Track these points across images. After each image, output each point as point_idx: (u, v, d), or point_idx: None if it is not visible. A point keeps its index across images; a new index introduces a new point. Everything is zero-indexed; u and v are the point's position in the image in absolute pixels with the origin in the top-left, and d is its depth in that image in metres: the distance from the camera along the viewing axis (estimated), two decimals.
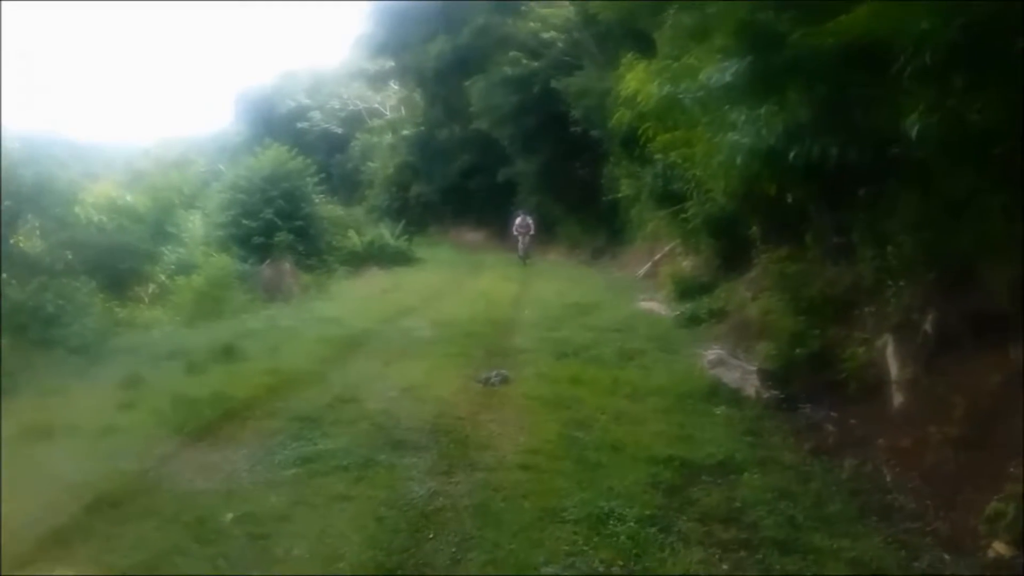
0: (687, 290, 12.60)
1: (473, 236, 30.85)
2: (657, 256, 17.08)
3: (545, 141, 23.44)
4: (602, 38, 18.81)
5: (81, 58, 75.86)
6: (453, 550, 4.22)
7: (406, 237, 25.97)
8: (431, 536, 4.38)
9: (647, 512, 4.62)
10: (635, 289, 15.37)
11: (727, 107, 7.09)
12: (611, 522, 4.49)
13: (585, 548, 4.24)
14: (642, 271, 17.43)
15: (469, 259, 22.21)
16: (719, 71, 6.34)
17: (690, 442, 5.94)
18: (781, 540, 4.40)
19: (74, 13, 74.84)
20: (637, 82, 8.41)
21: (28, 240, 12.34)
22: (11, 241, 11.35)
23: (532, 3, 23.73)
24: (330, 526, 4.48)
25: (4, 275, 10.66)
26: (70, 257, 12.46)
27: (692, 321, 10.94)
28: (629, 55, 9.83)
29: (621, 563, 4.10)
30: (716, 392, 7.32)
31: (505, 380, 7.79)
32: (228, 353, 9.11)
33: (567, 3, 21.69)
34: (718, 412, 6.81)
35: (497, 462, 5.48)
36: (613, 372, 8.22)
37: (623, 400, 7.18)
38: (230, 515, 4.59)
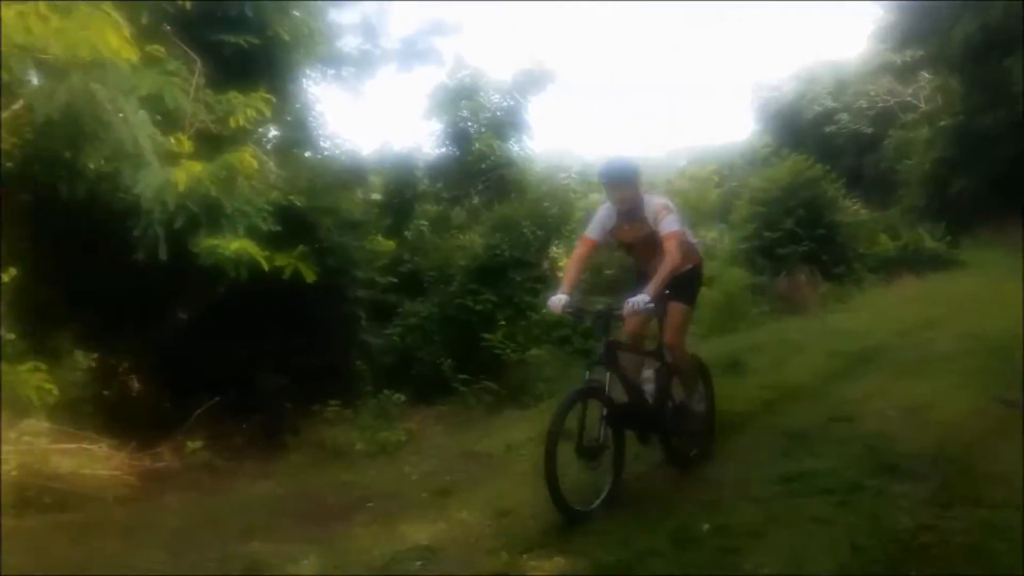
0: None
1: None
2: None
3: None
4: None
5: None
6: None
7: (948, 239, 23.50)
8: (912, 573, 4.08)
9: None
10: None
11: None
12: None
13: None
14: None
15: (1017, 261, 19.22)
16: None
17: None
18: None
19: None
20: None
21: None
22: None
23: None
24: (802, 548, 4.41)
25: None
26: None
27: None
28: None
29: None
30: None
31: None
32: (735, 366, 9.32)
33: None
34: None
35: (1006, 498, 4.81)
36: None
37: None
38: (706, 525, 4.81)
